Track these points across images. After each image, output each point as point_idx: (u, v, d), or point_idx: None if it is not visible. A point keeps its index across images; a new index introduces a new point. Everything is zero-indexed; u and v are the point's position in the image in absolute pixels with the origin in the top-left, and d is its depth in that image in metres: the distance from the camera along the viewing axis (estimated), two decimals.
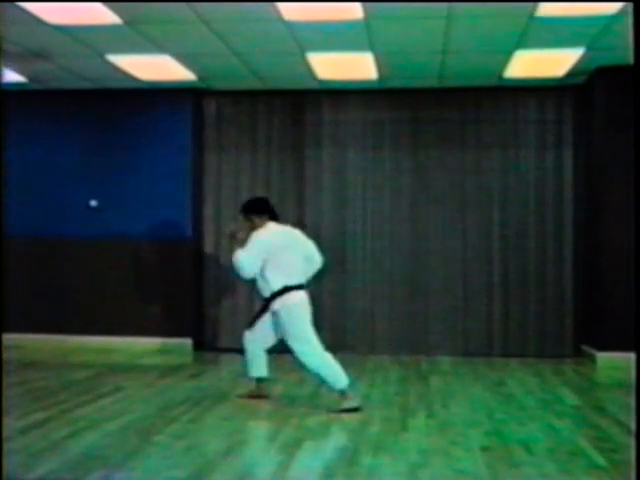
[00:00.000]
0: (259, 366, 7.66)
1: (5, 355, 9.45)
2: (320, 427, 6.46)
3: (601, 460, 5.44)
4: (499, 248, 11.03)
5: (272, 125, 11.42)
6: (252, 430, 6.32)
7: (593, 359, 10.16)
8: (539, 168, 11.01)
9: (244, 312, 11.34)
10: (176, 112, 11.31)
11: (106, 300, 11.35)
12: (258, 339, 7.61)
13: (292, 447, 5.74)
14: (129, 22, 8.29)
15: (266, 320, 7.48)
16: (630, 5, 7.32)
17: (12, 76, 10.45)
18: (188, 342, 11.18)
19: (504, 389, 8.42)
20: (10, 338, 10.53)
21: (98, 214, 11.36)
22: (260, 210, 7.38)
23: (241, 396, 7.71)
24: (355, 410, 6.98)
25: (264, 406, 7.33)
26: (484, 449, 5.74)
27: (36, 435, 6.08)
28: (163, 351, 10.98)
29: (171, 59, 9.74)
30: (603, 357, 9.99)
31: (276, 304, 7.20)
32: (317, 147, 11.30)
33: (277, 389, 8.27)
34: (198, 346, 11.27)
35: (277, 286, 7.16)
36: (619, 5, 7.62)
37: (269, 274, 7.17)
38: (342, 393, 7.12)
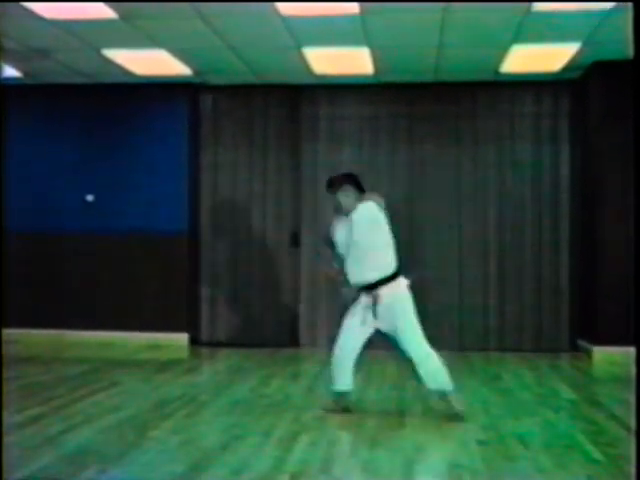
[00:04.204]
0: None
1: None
2: (316, 422, 6.46)
3: (597, 454, 5.45)
4: (495, 242, 11.03)
5: (268, 120, 11.41)
6: (248, 425, 6.31)
7: (589, 353, 10.17)
8: (535, 162, 11.01)
9: (240, 307, 11.35)
10: (172, 107, 11.30)
11: (102, 295, 11.33)
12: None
13: (288, 442, 5.75)
14: (125, 17, 8.27)
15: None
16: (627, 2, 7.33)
17: (7, 71, 10.42)
18: (184, 337, 11.17)
19: (500, 383, 8.44)
20: (6, 333, 10.51)
21: (94, 209, 11.34)
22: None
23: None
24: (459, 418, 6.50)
25: (260, 402, 7.32)
26: (480, 443, 5.75)
27: (32, 430, 6.08)
28: (159, 346, 10.96)
29: (167, 54, 9.72)
30: (599, 351, 9.99)
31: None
32: (313, 141, 11.28)
33: (273, 384, 8.27)
34: (194, 341, 11.26)
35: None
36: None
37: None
38: (444, 395, 6.60)
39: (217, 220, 11.47)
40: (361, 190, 6.75)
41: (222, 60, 10.00)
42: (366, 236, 6.52)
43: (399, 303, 6.55)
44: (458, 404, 6.56)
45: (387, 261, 6.58)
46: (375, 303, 6.53)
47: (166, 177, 11.23)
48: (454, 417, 6.47)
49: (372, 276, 6.52)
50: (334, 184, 6.75)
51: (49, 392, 7.64)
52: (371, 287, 6.54)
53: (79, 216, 11.37)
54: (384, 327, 6.59)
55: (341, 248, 6.74)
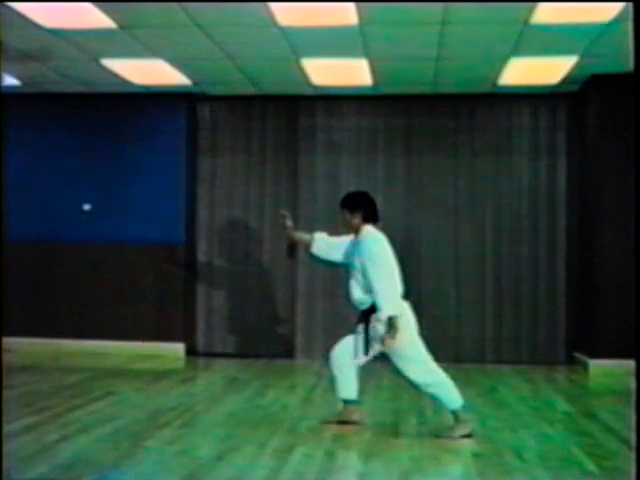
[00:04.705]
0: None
1: None
2: (311, 433, 6.45)
3: (592, 467, 5.44)
4: (492, 255, 11.04)
5: (266, 130, 11.42)
6: (243, 435, 6.30)
7: (585, 366, 10.16)
8: (532, 175, 11.02)
9: (237, 317, 11.34)
10: (170, 117, 11.31)
11: (99, 304, 11.32)
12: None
13: (283, 453, 5.73)
14: (124, 26, 8.28)
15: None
16: (625, 13, 7.36)
17: (7, 80, 10.43)
18: (180, 347, 11.16)
19: (496, 395, 8.43)
20: (4, 342, 10.48)
21: (91, 218, 11.34)
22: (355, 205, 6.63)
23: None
24: (468, 437, 6.30)
25: (255, 413, 7.31)
26: (476, 455, 5.74)
27: (28, 439, 6.06)
28: (155, 356, 10.95)
29: (166, 64, 9.74)
30: (595, 364, 9.98)
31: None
32: (311, 153, 11.30)
33: (269, 395, 8.26)
34: (190, 351, 11.25)
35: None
36: (614, 13, 7.63)
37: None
38: (455, 415, 6.42)
39: (214, 230, 11.47)
40: (371, 217, 6.61)
41: (220, 70, 10.02)
42: (368, 266, 6.34)
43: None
44: (465, 426, 6.38)
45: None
46: (367, 329, 6.42)
47: (164, 186, 11.24)
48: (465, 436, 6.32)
49: (366, 300, 6.42)
50: (350, 206, 6.62)
51: (45, 401, 7.62)
52: (366, 313, 6.43)
53: (76, 225, 11.37)
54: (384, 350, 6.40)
55: (327, 256, 6.85)
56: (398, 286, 6.40)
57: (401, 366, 6.40)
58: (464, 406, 6.46)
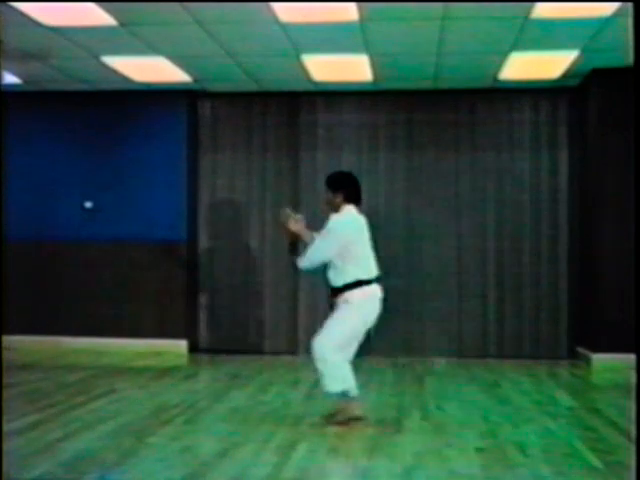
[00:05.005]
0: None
1: None
2: (314, 429, 6.45)
3: (596, 461, 5.44)
4: (494, 250, 11.03)
5: (267, 127, 11.42)
6: (246, 432, 6.30)
7: (588, 361, 10.16)
8: (534, 170, 11.01)
9: (239, 314, 11.34)
10: (171, 113, 11.30)
11: (100, 302, 11.32)
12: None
13: (287, 449, 5.74)
14: (124, 24, 8.28)
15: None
16: (626, 7, 7.35)
17: (7, 77, 10.42)
18: (183, 344, 11.16)
19: (499, 390, 8.42)
20: (5, 339, 10.49)
21: (93, 216, 11.33)
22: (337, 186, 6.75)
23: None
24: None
25: (258, 409, 7.32)
26: (479, 450, 5.74)
27: (30, 437, 6.06)
28: (158, 353, 10.95)
29: (166, 61, 9.73)
30: (598, 359, 9.98)
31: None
32: (312, 149, 11.29)
33: (272, 391, 8.27)
34: (193, 348, 11.25)
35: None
36: (614, 7, 7.62)
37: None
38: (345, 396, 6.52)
39: (215, 227, 11.47)
40: (353, 197, 6.72)
41: (221, 67, 10.01)
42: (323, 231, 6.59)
43: (342, 307, 6.52)
44: (357, 409, 6.54)
45: (350, 269, 6.47)
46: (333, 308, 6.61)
47: (165, 184, 11.24)
48: (355, 419, 6.49)
49: (335, 281, 6.54)
50: (333, 186, 6.76)
51: (47, 399, 7.63)
52: (334, 293, 6.56)
53: (77, 224, 11.37)
54: None
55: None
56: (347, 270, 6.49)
57: (323, 328, 6.49)
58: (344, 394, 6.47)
